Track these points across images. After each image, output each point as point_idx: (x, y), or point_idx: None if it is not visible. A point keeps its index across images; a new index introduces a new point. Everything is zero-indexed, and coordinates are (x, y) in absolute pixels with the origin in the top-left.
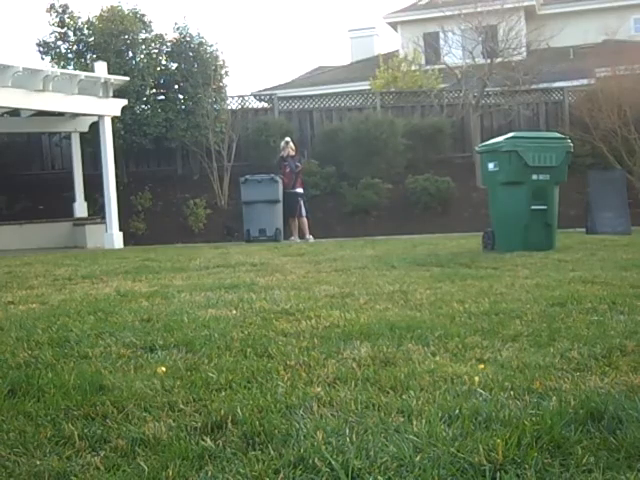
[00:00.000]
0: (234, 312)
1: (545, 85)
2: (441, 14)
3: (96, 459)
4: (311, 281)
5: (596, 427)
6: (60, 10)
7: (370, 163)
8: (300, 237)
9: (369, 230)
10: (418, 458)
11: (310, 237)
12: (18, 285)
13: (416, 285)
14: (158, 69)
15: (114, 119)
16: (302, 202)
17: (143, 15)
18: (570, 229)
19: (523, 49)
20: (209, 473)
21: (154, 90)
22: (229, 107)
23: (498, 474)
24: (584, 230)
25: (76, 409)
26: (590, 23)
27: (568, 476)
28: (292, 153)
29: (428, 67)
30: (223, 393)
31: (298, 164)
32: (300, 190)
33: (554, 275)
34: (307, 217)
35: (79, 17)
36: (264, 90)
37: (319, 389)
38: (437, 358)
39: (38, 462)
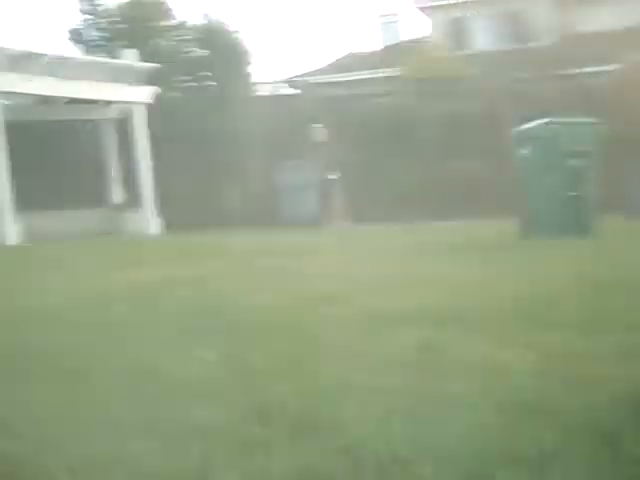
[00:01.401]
0: (279, 297)
1: (578, 70)
2: None
3: (145, 445)
4: (353, 266)
5: None
6: None
7: (403, 149)
8: (334, 223)
9: (406, 216)
10: (466, 446)
11: (345, 223)
12: (59, 272)
13: (459, 270)
14: (188, 56)
15: (146, 106)
16: (335, 188)
17: (170, 3)
18: (608, 214)
19: (554, 34)
20: (258, 461)
21: (184, 77)
22: (260, 94)
23: (547, 464)
24: (623, 215)
25: (125, 395)
26: (621, 7)
27: (617, 467)
28: (324, 139)
29: (459, 52)
30: (271, 380)
31: (329, 150)
32: (333, 176)
33: (596, 260)
34: (341, 203)
35: (109, 5)
36: (294, 77)
37: (366, 376)
38: (483, 345)
39: (88, 447)
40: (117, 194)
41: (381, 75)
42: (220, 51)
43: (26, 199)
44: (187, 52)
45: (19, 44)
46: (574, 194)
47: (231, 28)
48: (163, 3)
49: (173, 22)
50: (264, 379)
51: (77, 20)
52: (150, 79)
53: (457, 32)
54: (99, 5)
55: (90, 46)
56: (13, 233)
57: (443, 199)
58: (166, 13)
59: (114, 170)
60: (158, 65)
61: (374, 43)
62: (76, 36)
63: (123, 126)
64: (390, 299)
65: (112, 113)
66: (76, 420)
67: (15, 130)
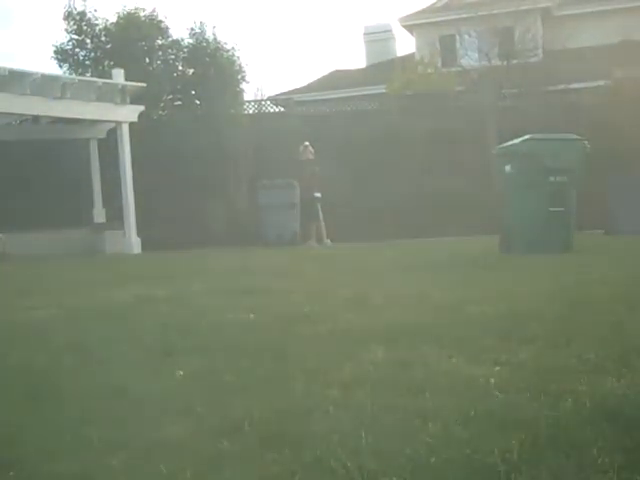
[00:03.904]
0: (251, 316)
1: (562, 86)
2: (457, 17)
3: (115, 462)
4: (328, 284)
5: (612, 428)
6: (77, 17)
7: (387, 166)
8: (318, 241)
9: (387, 233)
10: (433, 460)
11: (328, 241)
12: (39, 290)
13: (433, 287)
14: (175, 75)
15: (131, 125)
16: (320, 206)
17: (160, 21)
18: (588, 230)
19: (539, 51)
20: (227, 475)
21: (171, 96)
22: (246, 112)
23: (513, 475)
24: (603, 231)
25: (95, 413)
26: (608, 24)
27: (583, 477)
28: (310, 157)
29: (444, 70)
30: (240, 396)
31: (316, 168)
32: (318, 194)
33: (572, 277)
34: (326, 221)
35: (96, 24)
36: (280, 94)
37: (335, 392)
38: (453, 360)
39: (59, 465)
40: (99, 214)
41: (366, 92)
42: (210, 69)
43: (6, 219)
44: (176, 70)
45: (2, 63)
46: (556, 210)
47: (226, 46)
48: (159, 22)
49: (164, 41)
50: (237, 394)
51: (62, 39)
52: (137, 98)
53: (442, 49)
54: (86, 24)
55: (75, 65)
56: None
57: (427, 216)
58: (158, 32)
59: (96, 189)
60: (144, 84)
61: (359, 61)
62: (61, 55)
63: (106, 145)
64: (364, 316)
65: (95, 132)
66: None
67: None
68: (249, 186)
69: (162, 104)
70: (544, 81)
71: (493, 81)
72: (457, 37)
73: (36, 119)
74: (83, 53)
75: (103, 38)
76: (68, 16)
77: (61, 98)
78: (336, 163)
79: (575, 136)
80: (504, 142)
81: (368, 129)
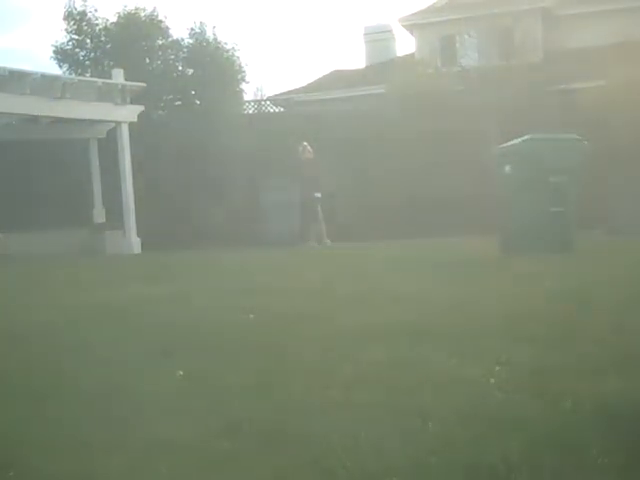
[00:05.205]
0: (251, 316)
1: (562, 86)
2: (457, 17)
3: (115, 462)
4: (328, 284)
5: (612, 428)
6: (77, 17)
7: (387, 166)
8: (318, 241)
9: (386, 233)
10: (433, 460)
11: (328, 241)
12: (39, 290)
13: (433, 287)
14: (175, 75)
15: (131, 125)
16: (319, 206)
17: (160, 21)
18: (588, 230)
19: (539, 51)
20: (227, 475)
21: (171, 96)
22: (246, 112)
23: (513, 475)
24: (603, 231)
25: (95, 413)
26: (608, 24)
27: (583, 477)
28: (310, 157)
29: (444, 70)
30: (240, 396)
31: (316, 168)
32: (318, 194)
33: (572, 277)
34: (324, 221)
35: (96, 24)
36: (280, 94)
37: (335, 392)
38: (453, 360)
39: (59, 465)
40: (99, 214)
41: (366, 93)
42: (210, 69)
43: (6, 219)
44: (176, 70)
45: (2, 63)
46: (556, 210)
47: (226, 46)
48: (159, 22)
49: (164, 41)
50: (237, 395)
51: (63, 39)
52: (137, 98)
53: (442, 49)
54: (86, 24)
55: (75, 65)
56: None
57: (427, 216)
58: (158, 32)
59: (96, 189)
60: (144, 84)
61: (359, 61)
62: (61, 55)
63: (106, 145)
64: (364, 316)
65: (95, 132)
66: None
67: None
68: (249, 186)
69: (162, 104)
70: (544, 81)
71: (493, 81)
72: (457, 37)
73: (36, 119)
74: (83, 53)
75: (103, 38)
76: (68, 16)
77: (61, 98)
78: (336, 163)
79: (575, 136)
80: (504, 142)
81: (368, 129)
